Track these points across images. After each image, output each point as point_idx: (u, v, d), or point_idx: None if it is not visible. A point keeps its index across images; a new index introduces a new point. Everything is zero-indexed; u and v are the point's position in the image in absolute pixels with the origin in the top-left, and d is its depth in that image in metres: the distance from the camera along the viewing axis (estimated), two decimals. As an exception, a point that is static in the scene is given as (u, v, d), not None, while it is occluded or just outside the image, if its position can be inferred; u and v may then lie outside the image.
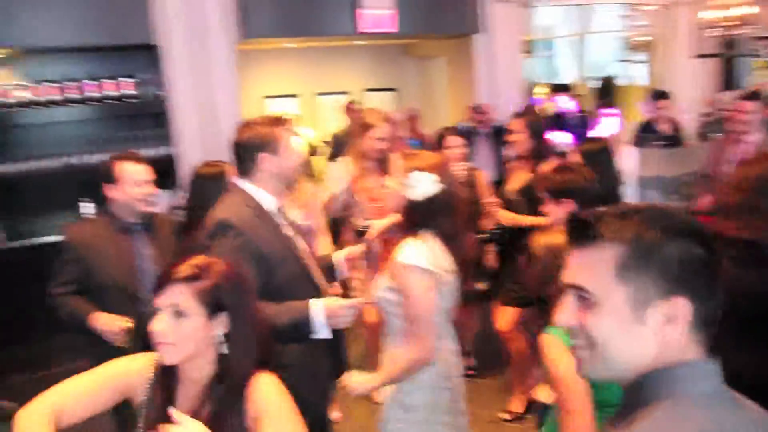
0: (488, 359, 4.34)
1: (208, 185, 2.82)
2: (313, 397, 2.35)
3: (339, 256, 2.55)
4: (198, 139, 5.07)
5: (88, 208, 5.13)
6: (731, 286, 2.04)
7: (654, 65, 8.15)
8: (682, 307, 0.94)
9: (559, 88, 6.95)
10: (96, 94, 4.91)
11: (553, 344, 1.79)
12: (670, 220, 0.98)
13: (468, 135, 5.57)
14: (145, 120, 5.27)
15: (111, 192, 2.65)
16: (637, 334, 0.96)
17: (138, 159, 2.73)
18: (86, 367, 1.63)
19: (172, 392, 1.49)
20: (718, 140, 4.91)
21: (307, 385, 2.27)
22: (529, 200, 3.51)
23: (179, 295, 1.41)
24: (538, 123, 3.87)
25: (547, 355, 1.79)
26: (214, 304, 1.44)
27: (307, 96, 8.04)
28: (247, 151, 2.18)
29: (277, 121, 2.25)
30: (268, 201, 2.23)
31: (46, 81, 4.84)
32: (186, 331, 1.42)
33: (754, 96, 4.48)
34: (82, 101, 4.90)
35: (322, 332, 2.03)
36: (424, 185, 2.16)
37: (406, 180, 2.17)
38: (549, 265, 1.97)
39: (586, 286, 0.98)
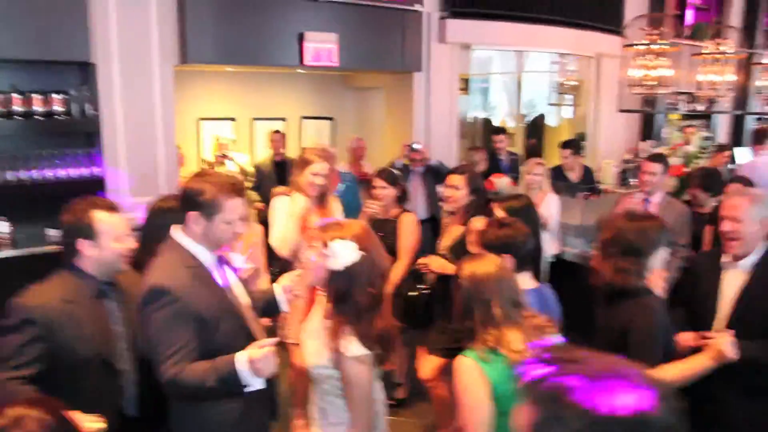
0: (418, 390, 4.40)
1: (170, 218, 2.45)
2: None
3: (278, 289, 2.53)
4: (130, 160, 4.93)
5: (3, 226, 4.90)
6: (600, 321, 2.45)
7: (580, 110, 8.54)
8: None
9: (496, 131, 7.16)
10: (23, 109, 4.69)
11: (468, 369, 1.91)
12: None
13: (402, 172, 5.69)
14: (75, 138, 5.06)
15: (88, 249, 2.29)
16: None
17: (113, 208, 2.38)
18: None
19: None
20: (625, 194, 5.16)
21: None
22: (459, 256, 3.59)
23: None
24: (477, 179, 3.96)
25: (459, 379, 1.91)
26: None
27: (243, 120, 7.95)
28: (198, 204, 2.15)
29: (232, 184, 2.22)
30: (206, 256, 2.21)
31: (-31, 92, 4.60)
32: None
33: (658, 158, 4.72)
34: (6, 115, 4.67)
35: (254, 383, 2.00)
36: (343, 254, 2.11)
37: (326, 250, 2.12)
38: (472, 294, 2.10)
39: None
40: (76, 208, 2.33)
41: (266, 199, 6.02)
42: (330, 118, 8.53)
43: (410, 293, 3.94)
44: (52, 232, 5.06)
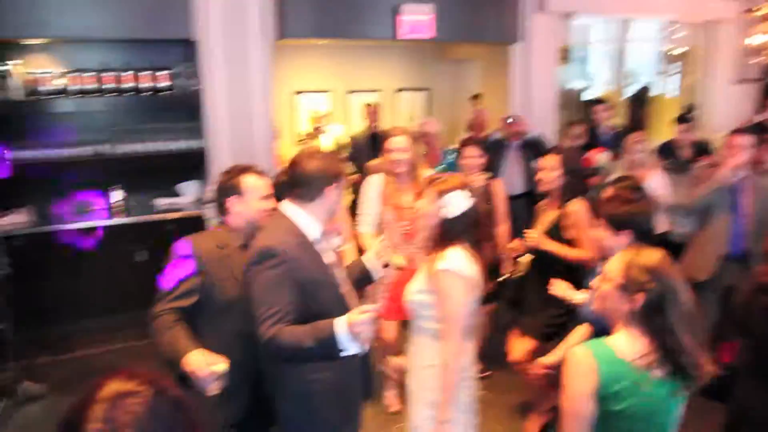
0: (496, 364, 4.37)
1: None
2: (343, 420, 2.39)
3: (370, 258, 2.63)
4: (229, 133, 5.08)
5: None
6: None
7: (688, 80, 8.02)
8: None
9: (596, 101, 6.80)
10: (131, 85, 4.94)
11: (580, 361, 1.84)
12: None
13: (499, 146, 5.56)
14: (178, 113, 5.30)
15: (235, 205, 2.58)
16: None
17: (260, 173, 2.66)
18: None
19: None
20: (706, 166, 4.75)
21: (337, 408, 2.32)
22: (556, 241, 3.51)
23: None
24: (572, 159, 3.77)
25: (568, 368, 1.86)
26: None
27: (338, 93, 8.02)
28: (318, 181, 2.27)
29: (335, 158, 2.44)
30: (314, 229, 2.31)
31: (83, 70, 4.88)
32: None
33: (749, 130, 4.23)
34: (118, 91, 4.94)
35: (351, 348, 2.04)
36: (458, 203, 2.38)
37: (440, 201, 2.38)
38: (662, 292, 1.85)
39: None
40: (229, 171, 2.63)
41: (361, 171, 6.08)
42: (426, 90, 8.45)
43: (503, 275, 3.88)
44: (161, 201, 5.35)
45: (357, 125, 7.44)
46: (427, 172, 3.78)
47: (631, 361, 1.81)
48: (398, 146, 3.71)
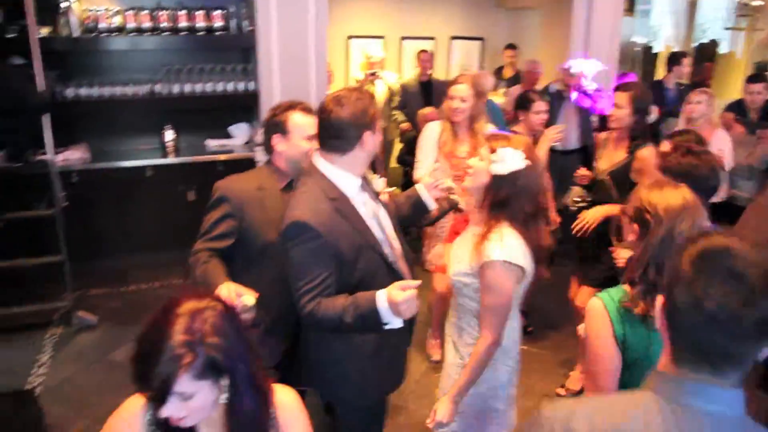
0: (544, 322, 4.31)
1: None
2: (387, 376, 2.37)
3: (422, 188, 2.52)
4: (282, 76, 5.03)
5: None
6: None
7: (759, 35, 7.58)
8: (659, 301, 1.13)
9: (674, 57, 6.37)
10: (186, 24, 4.91)
11: (597, 312, 1.82)
12: None
13: (557, 98, 5.37)
14: (232, 54, 5.27)
15: (280, 144, 2.49)
16: None
17: (308, 110, 2.52)
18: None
19: None
20: None
21: (382, 365, 2.29)
22: (620, 184, 3.34)
23: (181, 384, 1.33)
24: (645, 101, 3.52)
25: (588, 322, 1.84)
26: (215, 370, 1.37)
27: (392, 39, 7.86)
28: (354, 128, 2.07)
29: (371, 97, 2.17)
30: (352, 183, 2.15)
31: (139, 8, 4.87)
32: (197, 405, 1.38)
33: None
34: (172, 30, 4.92)
35: (394, 322, 1.97)
36: (510, 160, 2.13)
37: (494, 155, 2.16)
38: (670, 232, 1.79)
39: None
40: (276, 108, 2.55)
41: (412, 120, 5.98)
42: (480, 39, 8.22)
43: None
44: (212, 142, 5.38)
45: (409, 73, 7.31)
46: (488, 127, 3.67)
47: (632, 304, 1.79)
48: (460, 95, 3.60)
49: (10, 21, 4.29)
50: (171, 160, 5.18)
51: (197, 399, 1.36)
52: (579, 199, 3.58)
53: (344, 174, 2.13)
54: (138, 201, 5.12)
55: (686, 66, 6.00)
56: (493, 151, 2.17)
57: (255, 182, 2.49)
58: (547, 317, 4.50)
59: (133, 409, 1.49)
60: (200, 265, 2.32)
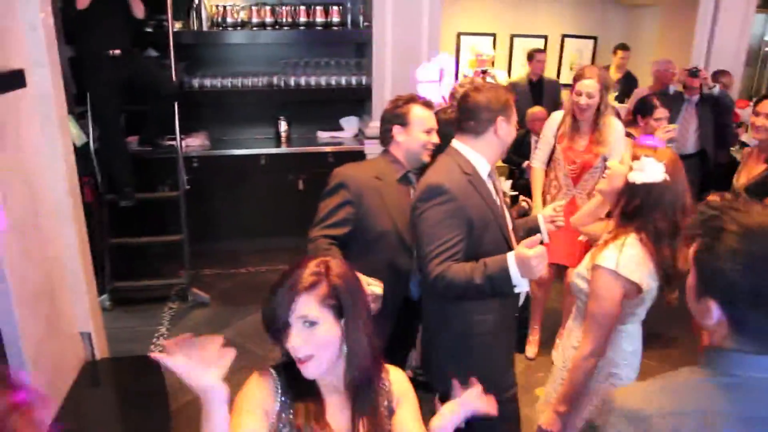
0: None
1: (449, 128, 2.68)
2: (500, 364, 2.40)
3: (542, 219, 2.52)
4: (394, 71, 5.11)
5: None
6: None
7: None
8: (715, 309, 1.15)
9: None
10: (305, 20, 5.09)
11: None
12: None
13: (676, 100, 5.15)
14: (347, 48, 5.42)
15: (400, 135, 2.58)
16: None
17: (428, 104, 2.63)
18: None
19: (319, 406, 1.50)
20: None
21: (496, 350, 2.33)
22: (760, 198, 3.17)
23: (306, 306, 1.41)
24: None
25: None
26: (336, 306, 1.44)
27: (502, 36, 7.79)
28: (488, 112, 2.18)
29: (507, 89, 2.30)
30: (483, 167, 2.24)
31: (262, 3, 5.10)
32: (321, 339, 1.43)
33: None
34: (292, 25, 5.12)
35: (522, 285, 1.98)
36: (649, 171, 2.05)
37: (635, 162, 2.09)
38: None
39: None
40: (397, 100, 2.63)
41: (521, 119, 5.90)
42: (593, 38, 7.99)
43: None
44: (322, 134, 5.54)
45: (518, 70, 7.22)
46: (614, 123, 3.59)
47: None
48: (587, 90, 3.50)
49: (150, 16, 4.61)
50: (284, 149, 5.38)
51: (321, 330, 1.42)
52: None
53: (477, 157, 2.23)
54: (251, 188, 5.36)
55: None
56: (636, 158, 2.10)
57: (373, 171, 2.56)
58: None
59: (264, 383, 1.51)
60: (320, 252, 2.36)
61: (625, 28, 7.95)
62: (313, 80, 5.31)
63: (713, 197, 3.37)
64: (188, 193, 4.71)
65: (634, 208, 2.08)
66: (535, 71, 6.29)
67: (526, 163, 4.81)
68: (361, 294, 1.53)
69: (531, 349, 4.04)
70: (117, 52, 4.25)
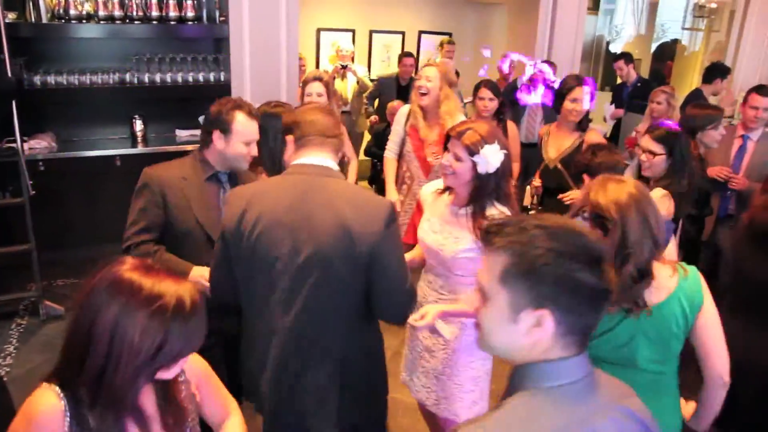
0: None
1: (273, 122, 2.77)
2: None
3: None
4: (253, 67, 5.04)
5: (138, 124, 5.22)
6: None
7: (717, 36, 7.84)
8: (547, 318, 1.09)
9: (618, 56, 6.72)
10: (157, 14, 4.88)
11: None
12: (565, 241, 1.10)
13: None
14: (203, 44, 5.26)
15: (219, 142, 2.49)
16: (512, 331, 1.12)
17: (253, 113, 2.54)
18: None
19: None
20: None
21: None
22: (576, 169, 3.50)
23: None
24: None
25: None
26: None
27: (361, 31, 7.90)
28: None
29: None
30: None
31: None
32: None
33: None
34: (144, 19, 4.88)
35: None
36: (493, 158, 2.21)
37: (476, 158, 2.21)
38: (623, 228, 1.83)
39: (482, 283, 1.16)
40: (224, 103, 2.53)
41: (382, 113, 6.03)
42: (448, 34, 8.32)
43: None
44: (181, 132, 5.35)
45: (378, 65, 7.37)
46: (456, 115, 3.78)
47: None
48: (426, 74, 3.78)
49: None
50: (140, 149, 5.14)
51: None
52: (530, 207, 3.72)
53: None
54: (107, 191, 5.08)
55: (619, 69, 6.56)
56: (472, 153, 2.21)
57: (180, 171, 2.52)
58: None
59: (53, 409, 1.36)
60: (155, 258, 2.37)
61: (478, 24, 8.35)
62: (169, 77, 5.10)
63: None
64: (35, 198, 4.37)
65: (488, 190, 2.25)
66: (403, 75, 6.40)
67: None
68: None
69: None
70: None
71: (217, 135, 2.49)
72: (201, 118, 5.30)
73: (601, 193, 1.85)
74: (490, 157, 2.20)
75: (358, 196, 1.97)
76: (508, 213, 2.27)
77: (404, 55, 6.56)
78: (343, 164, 3.76)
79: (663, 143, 3.03)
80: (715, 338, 1.88)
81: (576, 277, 1.08)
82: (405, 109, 4.01)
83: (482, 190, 2.26)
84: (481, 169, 2.21)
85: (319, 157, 2.02)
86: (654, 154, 3.04)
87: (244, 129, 2.49)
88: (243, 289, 2.03)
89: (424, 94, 3.76)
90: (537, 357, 1.13)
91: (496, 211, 2.26)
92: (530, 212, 3.67)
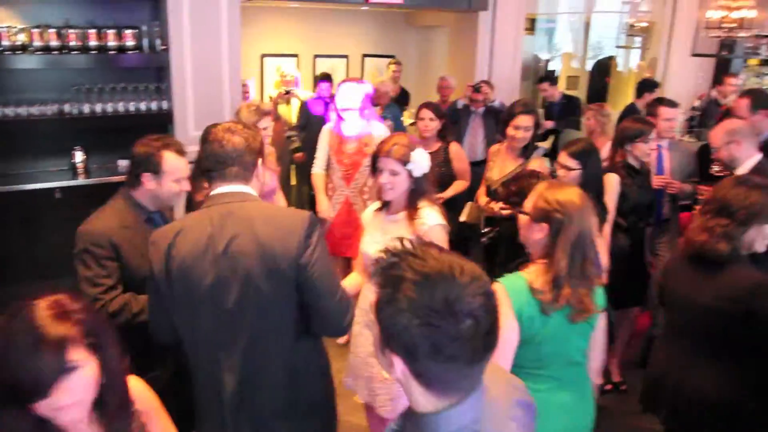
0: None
1: None
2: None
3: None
4: (196, 94, 5.03)
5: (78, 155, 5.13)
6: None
7: (649, 54, 8.18)
8: (398, 363, 1.08)
9: (542, 79, 7.02)
10: (96, 44, 4.82)
11: (498, 292, 1.97)
12: (429, 295, 1.04)
13: (463, 113, 5.65)
14: (145, 73, 5.21)
15: (150, 183, 2.43)
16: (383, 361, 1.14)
17: (181, 151, 2.50)
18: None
19: None
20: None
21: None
22: (514, 190, 3.62)
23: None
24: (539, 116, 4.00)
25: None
26: (93, 344, 1.38)
27: (305, 56, 7.96)
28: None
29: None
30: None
31: (46, 26, 4.74)
32: (83, 384, 1.35)
33: (675, 104, 4.36)
34: (82, 49, 4.82)
35: None
36: (422, 160, 2.51)
37: (409, 165, 2.49)
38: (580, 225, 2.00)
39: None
40: (150, 143, 2.46)
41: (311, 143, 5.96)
42: (392, 56, 8.46)
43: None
44: (123, 163, 5.27)
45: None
46: (378, 128, 4.25)
47: (537, 291, 1.96)
48: (344, 95, 4.17)
49: None
50: (81, 181, 5.03)
51: (84, 372, 1.36)
52: (487, 230, 3.79)
53: None
54: (46, 225, 4.95)
55: (543, 90, 6.85)
56: (405, 162, 2.48)
57: (117, 221, 2.42)
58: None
59: None
60: (133, 301, 2.35)
61: (420, 46, 8.52)
62: (110, 107, 5.02)
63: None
64: (-30, 234, 4.25)
65: (422, 191, 2.57)
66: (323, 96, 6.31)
67: None
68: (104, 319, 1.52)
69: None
70: None
71: (147, 177, 2.43)
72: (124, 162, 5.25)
73: (558, 192, 2.05)
74: (421, 161, 2.50)
75: (276, 214, 2.00)
76: (436, 207, 2.58)
77: (320, 78, 6.35)
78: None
79: (578, 159, 3.23)
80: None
81: (424, 334, 1.03)
82: (326, 128, 4.37)
83: (418, 191, 2.55)
84: (417, 173, 2.50)
85: (231, 185, 2.01)
86: (569, 169, 3.22)
87: (175, 168, 2.45)
88: (181, 326, 2.00)
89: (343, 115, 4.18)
90: (419, 408, 1.12)
91: (426, 205, 2.55)
92: (485, 232, 3.78)
